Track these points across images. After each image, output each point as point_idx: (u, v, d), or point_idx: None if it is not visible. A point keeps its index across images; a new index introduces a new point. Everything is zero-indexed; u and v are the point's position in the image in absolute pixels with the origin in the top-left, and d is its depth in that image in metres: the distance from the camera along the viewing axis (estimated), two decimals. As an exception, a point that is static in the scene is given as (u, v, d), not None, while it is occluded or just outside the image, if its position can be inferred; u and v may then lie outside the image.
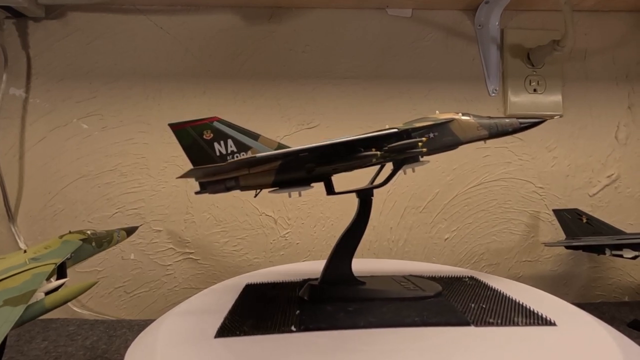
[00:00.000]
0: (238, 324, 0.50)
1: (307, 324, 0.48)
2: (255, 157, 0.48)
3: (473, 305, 0.52)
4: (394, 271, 0.70)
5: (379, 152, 0.53)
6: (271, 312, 0.53)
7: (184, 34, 0.98)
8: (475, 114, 0.61)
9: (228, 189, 0.56)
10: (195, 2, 0.97)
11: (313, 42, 1.00)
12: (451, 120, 0.59)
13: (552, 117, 0.64)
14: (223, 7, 0.98)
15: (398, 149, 0.54)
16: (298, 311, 0.52)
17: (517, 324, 0.46)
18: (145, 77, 0.97)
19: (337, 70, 1.00)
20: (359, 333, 0.46)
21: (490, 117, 0.61)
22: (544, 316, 0.48)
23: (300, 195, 0.60)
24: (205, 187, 0.56)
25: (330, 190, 0.61)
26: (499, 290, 0.59)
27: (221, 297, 0.62)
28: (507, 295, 0.56)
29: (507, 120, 0.62)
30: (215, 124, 0.56)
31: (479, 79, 1.02)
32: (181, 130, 0.56)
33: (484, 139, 0.61)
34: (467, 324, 0.46)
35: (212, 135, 0.56)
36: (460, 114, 0.60)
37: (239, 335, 0.47)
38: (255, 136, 0.58)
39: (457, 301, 0.54)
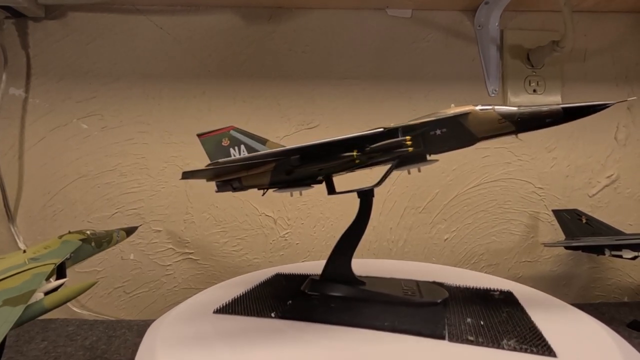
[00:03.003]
0: (236, 304, 0.56)
1: (286, 314, 0.52)
2: (219, 162, 0.52)
3: (470, 320, 0.48)
4: (408, 273, 0.67)
5: (355, 154, 0.52)
6: (269, 299, 0.58)
7: (184, 34, 0.98)
8: (500, 105, 0.53)
9: (235, 189, 0.61)
10: (195, 3, 0.97)
11: (313, 42, 1.00)
12: (463, 114, 0.52)
13: (624, 100, 0.51)
14: (223, 7, 0.98)
15: (381, 150, 0.52)
16: (290, 301, 0.56)
17: (502, 347, 0.41)
18: (145, 77, 0.97)
19: (337, 70, 1.00)
20: (323, 327, 0.48)
21: (520, 107, 0.52)
22: (548, 345, 0.41)
23: (301, 194, 0.63)
24: (219, 187, 0.62)
25: (331, 190, 0.61)
26: (523, 311, 0.51)
27: (255, 282, 0.69)
28: (528, 319, 0.48)
29: (544, 108, 0.51)
30: (232, 132, 0.63)
31: (478, 79, 1.02)
32: (205, 139, 0.64)
33: (511, 133, 0.53)
34: (441, 337, 0.43)
35: (228, 142, 0.64)
36: (479, 106, 0.53)
37: (231, 313, 0.54)
38: (263, 141, 0.64)
39: (454, 313, 0.50)
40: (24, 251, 0.55)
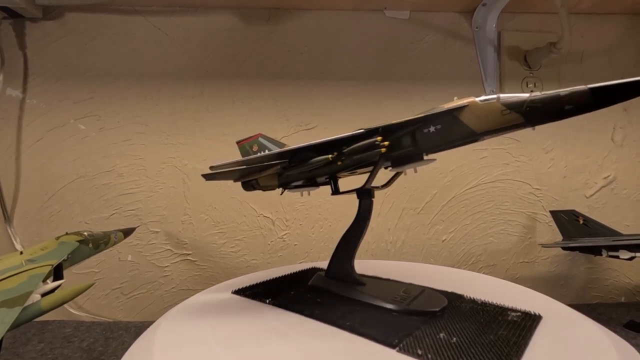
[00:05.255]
0: (252, 289, 0.63)
1: (278, 301, 0.56)
2: (214, 166, 0.55)
3: (443, 335, 0.44)
4: (408, 274, 0.67)
5: (330, 157, 0.52)
6: (279, 288, 0.63)
7: (182, 34, 0.98)
8: (508, 94, 0.46)
9: (255, 189, 0.66)
10: (194, 3, 0.97)
11: (311, 43, 1.00)
12: (459, 108, 0.47)
13: None
14: (221, 8, 0.98)
15: (356, 151, 0.51)
16: (292, 292, 0.61)
17: None
18: (143, 77, 0.97)
19: (336, 71, 1.00)
20: (295, 317, 0.52)
21: (534, 93, 0.44)
22: None
23: (309, 194, 0.68)
24: (243, 187, 0.67)
25: (335, 190, 0.62)
26: (525, 337, 0.44)
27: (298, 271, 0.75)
28: (520, 347, 0.42)
29: (564, 92, 0.42)
30: (259, 139, 0.69)
31: (476, 80, 1.02)
32: (241, 146, 0.72)
33: (521, 126, 0.45)
34: (391, 346, 0.42)
35: (257, 147, 0.70)
36: (482, 97, 0.47)
37: (242, 295, 0.60)
38: (281, 145, 0.68)
39: (434, 326, 0.47)
40: (21, 252, 0.55)
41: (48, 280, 0.52)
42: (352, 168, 0.57)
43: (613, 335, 0.47)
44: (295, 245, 1.00)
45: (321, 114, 1.00)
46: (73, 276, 0.94)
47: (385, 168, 0.58)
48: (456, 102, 0.49)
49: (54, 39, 0.96)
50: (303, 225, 1.00)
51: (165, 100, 0.98)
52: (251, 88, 0.99)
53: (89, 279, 0.95)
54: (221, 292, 0.64)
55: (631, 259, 0.79)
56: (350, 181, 0.66)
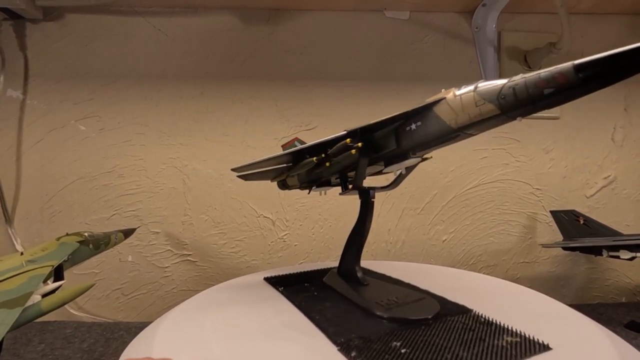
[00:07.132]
0: (278, 278, 0.69)
1: (285, 290, 0.62)
2: (235, 168, 0.59)
3: (396, 344, 0.42)
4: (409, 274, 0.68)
5: (315, 158, 0.53)
6: (298, 280, 0.68)
7: (182, 35, 0.98)
8: (488, 82, 0.41)
9: (287, 188, 0.71)
10: (194, 4, 0.97)
11: (311, 44, 1.00)
12: (436, 102, 0.43)
13: None
14: (221, 8, 0.98)
15: (336, 153, 0.51)
16: (307, 284, 0.65)
17: None
18: (143, 78, 0.97)
19: (335, 72, 1.00)
20: (288, 307, 0.56)
21: (512, 79, 0.38)
22: None
23: (325, 193, 0.71)
24: (278, 187, 0.73)
25: (345, 189, 0.62)
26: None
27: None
28: None
29: (543, 73, 0.34)
30: (296, 142, 0.73)
31: (476, 80, 1.02)
32: (284, 149, 0.75)
33: (499, 118, 0.39)
34: (335, 344, 0.42)
35: None
36: (462, 88, 0.43)
37: (269, 282, 0.67)
38: None
39: (397, 334, 0.45)
40: (22, 253, 0.55)
41: (48, 281, 0.52)
42: (351, 169, 0.57)
43: (614, 335, 0.47)
44: (296, 245, 1.00)
45: (321, 114, 1.00)
46: (73, 277, 0.94)
47: (381, 171, 0.58)
48: (436, 96, 0.44)
49: (54, 40, 0.96)
50: (303, 226, 1.00)
51: (165, 101, 0.98)
52: (251, 88, 0.99)
53: (90, 279, 0.95)
54: (245, 281, 0.70)
55: (632, 259, 0.79)
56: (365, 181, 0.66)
